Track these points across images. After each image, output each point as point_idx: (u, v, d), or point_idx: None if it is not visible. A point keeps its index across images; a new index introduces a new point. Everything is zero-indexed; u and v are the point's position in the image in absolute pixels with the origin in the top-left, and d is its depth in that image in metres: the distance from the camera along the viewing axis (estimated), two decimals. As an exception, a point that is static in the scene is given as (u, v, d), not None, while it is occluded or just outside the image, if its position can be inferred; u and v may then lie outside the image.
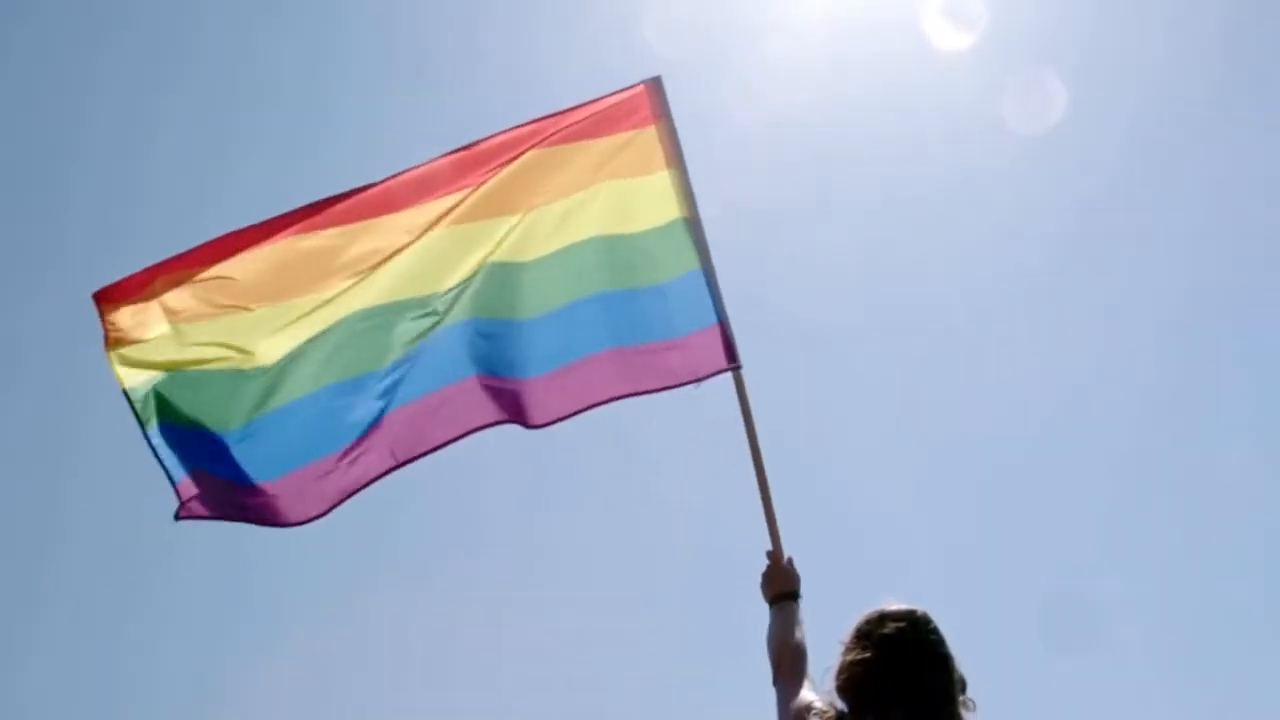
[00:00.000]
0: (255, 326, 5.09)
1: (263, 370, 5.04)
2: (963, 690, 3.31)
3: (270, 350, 5.06)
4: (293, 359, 5.07)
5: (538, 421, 5.03)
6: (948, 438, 12.88)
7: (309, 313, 5.13)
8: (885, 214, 12.70)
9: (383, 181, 5.31)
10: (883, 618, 3.35)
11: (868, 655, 3.30)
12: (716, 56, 12.63)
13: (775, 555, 4.36)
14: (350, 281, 5.17)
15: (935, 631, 3.33)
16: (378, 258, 5.20)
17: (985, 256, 13.12)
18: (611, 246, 5.28)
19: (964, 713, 3.29)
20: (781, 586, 4.21)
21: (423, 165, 5.36)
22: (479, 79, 13.64)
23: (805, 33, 12.48)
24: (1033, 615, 11.48)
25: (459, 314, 5.14)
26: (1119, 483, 12.89)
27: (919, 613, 3.35)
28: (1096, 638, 11.06)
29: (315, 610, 12.35)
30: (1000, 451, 12.85)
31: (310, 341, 5.10)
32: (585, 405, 5.06)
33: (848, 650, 3.36)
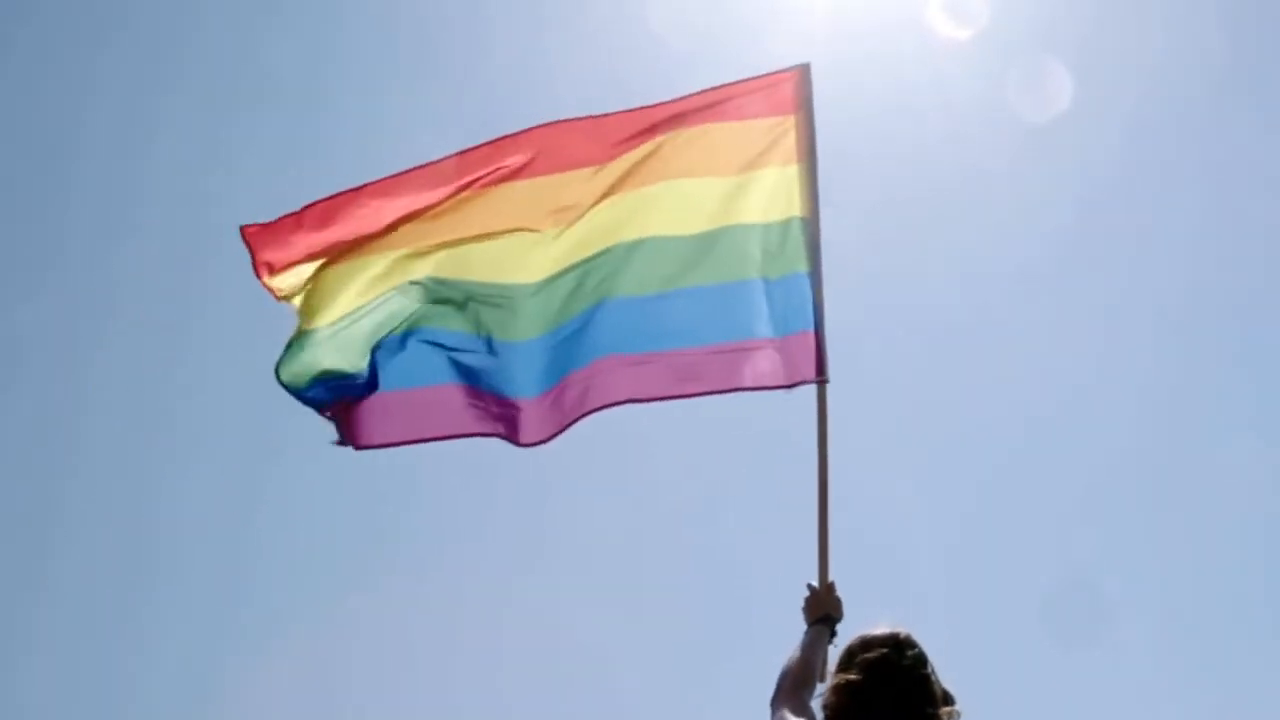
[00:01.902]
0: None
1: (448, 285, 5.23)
2: (949, 703, 3.37)
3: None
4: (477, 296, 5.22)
5: (622, 398, 5.09)
6: (950, 434, 12.88)
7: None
8: (885, 211, 12.68)
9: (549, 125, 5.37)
10: (865, 643, 3.42)
11: (851, 680, 3.37)
12: (720, 51, 12.59)
13: (822, 581, 4.33)
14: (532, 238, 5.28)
15: (917, 653, 3.39)
16: (564, 216, 5.29)
17: (986, 253, 13.10)
18: (726, 236, 5.21)
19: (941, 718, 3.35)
20: (820, 610, 4.20)
21: (582, 120, 5.39)
22: (481, 75, 13.62)
23: (807, 28, 12.45)
24: (1036, 611, 11.49)
25: (605, 289, 5.21)
26: (1120, 478, 12.91)
27: (901, 635, 3.41)
28: (1100, 632, 11.07)
29: (314, 609, 12.36)
30: (1002, 447, 12.86)
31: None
32: (667, 395, 5.08)
33: (834, 675, 3.45)
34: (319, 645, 11.73)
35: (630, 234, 5.28)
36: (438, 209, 5.29)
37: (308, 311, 5.20)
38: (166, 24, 13.94)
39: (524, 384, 5.17)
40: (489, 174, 5.33)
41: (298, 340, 5.16)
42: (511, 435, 5.16)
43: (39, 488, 13.47)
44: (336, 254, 5.22)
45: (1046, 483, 12.79)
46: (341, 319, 5.19)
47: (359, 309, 5.20)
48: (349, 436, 5.18)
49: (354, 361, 5.14)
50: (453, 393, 5.21)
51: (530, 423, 5.15)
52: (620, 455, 12.55)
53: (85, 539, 13.17)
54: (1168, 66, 12.77)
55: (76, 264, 13.64)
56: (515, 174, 5.33)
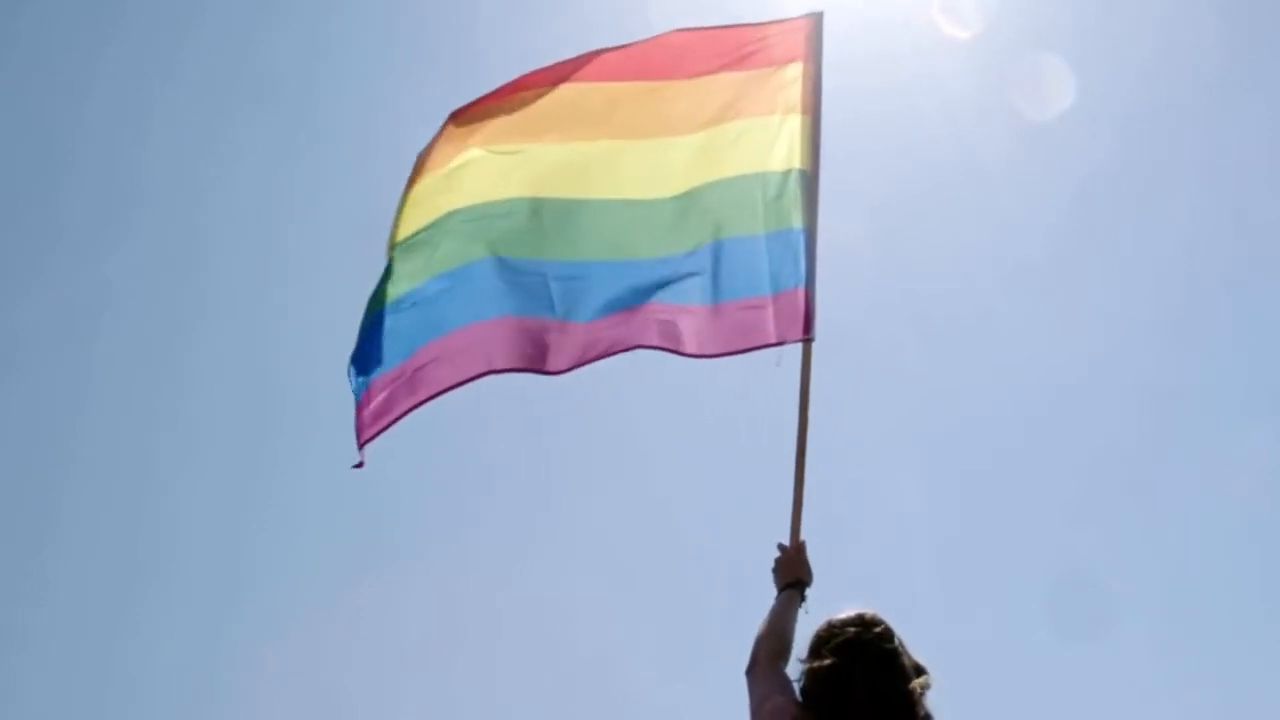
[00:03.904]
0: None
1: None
2: (920, 674, 3.45)
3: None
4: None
5: (618, 348, 5.02)
6: (950, 429, 12.88)
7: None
8: (885, 208, 12.67)
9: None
10: (832, 627, 3.51)
11: (825, 664, 3.44)
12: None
13: (793, 541, 4.31)
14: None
15: (884, 629, 3.48)
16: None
17: (986, 249, 13.10)
18: (728, 187, 5.13)
19: (921, 694, 3.42)
20: (792, 574, 4.17)
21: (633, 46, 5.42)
22: (479, 72, 13.59)
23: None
24: (1037, 606, 11.52)
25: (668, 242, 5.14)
26: (1118, 473, 12.91)
27: (867, 615, 3.51)
28: (1101, 627, 11.07)
29: (312, 607, 12.35)
30: (1002, 442, 12.86)
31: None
32: (654, 346, 5.01)
33: (807, 661, 3.52)
34: (318, 642, 11.74)
35: (690, 181, 5.23)
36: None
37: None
38: (164, 23, 13.93)
39: (584, 306, 5.12)
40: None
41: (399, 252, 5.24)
42: (537, 363, 5.08)
43: (37, 486, 13.49)
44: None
45: (1046, 478, 12.82)
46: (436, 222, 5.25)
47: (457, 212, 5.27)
48: (374, 422, 5.14)
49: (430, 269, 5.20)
50: (487, 330, 5.18)
51: (565, 348, 5.07)
52: (618, 454, 12.56)
53: (83, 538, 13.18)
54: (1165, 64, 12.79)
55: (73, 262, 13.63)
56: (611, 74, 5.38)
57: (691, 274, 5.05)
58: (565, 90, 5.36)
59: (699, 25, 5.53)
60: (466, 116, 5.40)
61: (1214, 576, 12.35)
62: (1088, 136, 12.47)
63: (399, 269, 5.26)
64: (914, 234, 12.88)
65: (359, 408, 5.14)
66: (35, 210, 13.82)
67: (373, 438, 5.13)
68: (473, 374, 5.14)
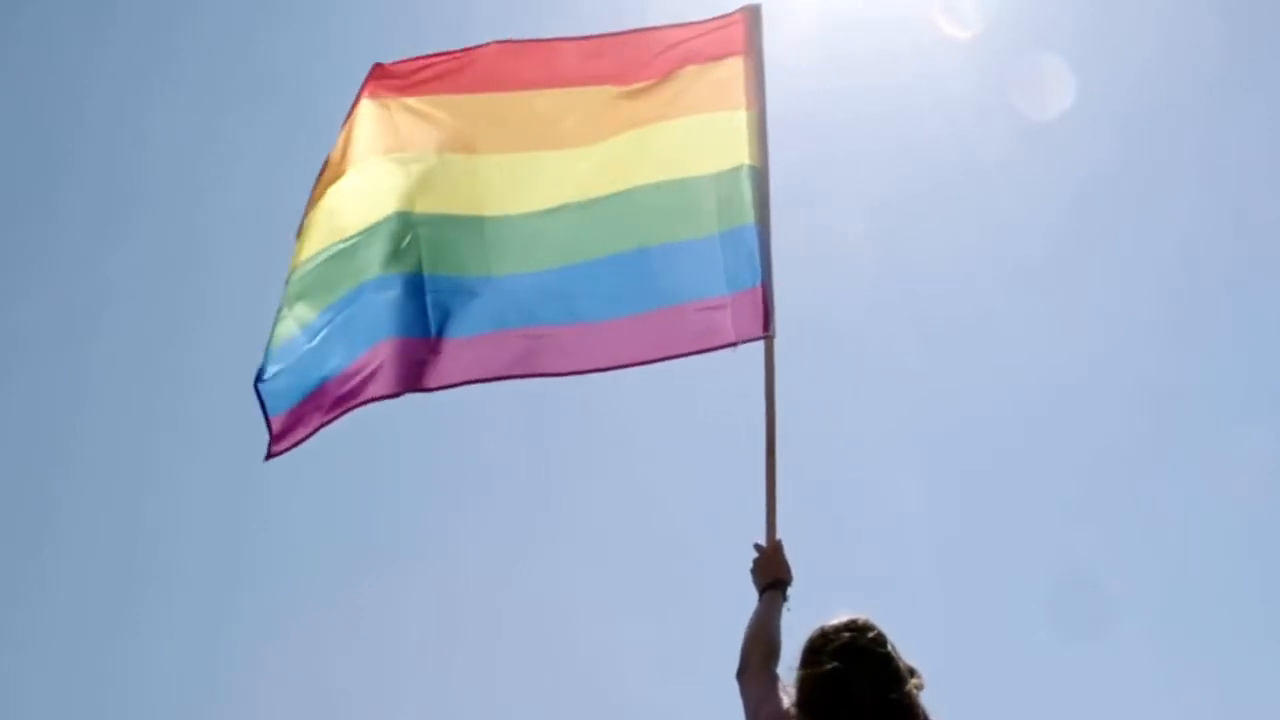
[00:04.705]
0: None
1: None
2: (913, 675, 3.45)
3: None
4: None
5: (561, 370, 4.93)
6: (950, 428, 12.88)
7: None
8: (885, 207, 12.67)
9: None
10: (826, 634, 3.50)
11: (825, 669, 3.42)
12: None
13: (769, 541, 4.29)
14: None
15: (877, 634, 3.48)
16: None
17: (986, 249, 13.09)
18: (671, 190, 5.05)
19: (915, 695, 3.43)
20: (772, 574, 4.14)
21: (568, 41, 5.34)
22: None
23: (804, 23, 12.43)
24: (1036, 605, 11.50)
25: (574, 250, 5.05)
26: (1117, 473, 12.90)
27: (859, 620, 3.50)
28: (1102, 626, 11.06)
29: (312, 606, 12.34)
30: (1002, 442, 12.85)
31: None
32: (614, 365, 4.91)
33: (803, 669, 3.50)
34: (318, 642, 11.73)
35: (590, 190, 5.11)
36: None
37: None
38: (163, 22, 13.93)
39: (459, 322, 4.99)
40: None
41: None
42: (414, 382, 4.94)
43: (36, 486, 13.48)
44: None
45: (1046, 478, 12.81)
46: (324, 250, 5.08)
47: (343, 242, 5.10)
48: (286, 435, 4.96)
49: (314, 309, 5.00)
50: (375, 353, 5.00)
51: (447, 363, 4.96)
52: (618, 454, 12.55)
53: (83, 538, 13.17)
54: (1165, 64, 12.78)
55: (73, 262, 13.63)
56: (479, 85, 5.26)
57: (636, 279, 4.98)
58: (486, 99, 5.26)
59: (651, 25, 5.40)
60: (386, 85, 5.30)
61: (1214, 576, 12.36)
62: (1088, 136, 12.48)
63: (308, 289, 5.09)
64: (914, 234, 12.89)
65: (299, 409, 4.95)
66: (35, 210, 13.83)
67: (290, 447, 4.95)
68: (372, 397, 4.99)
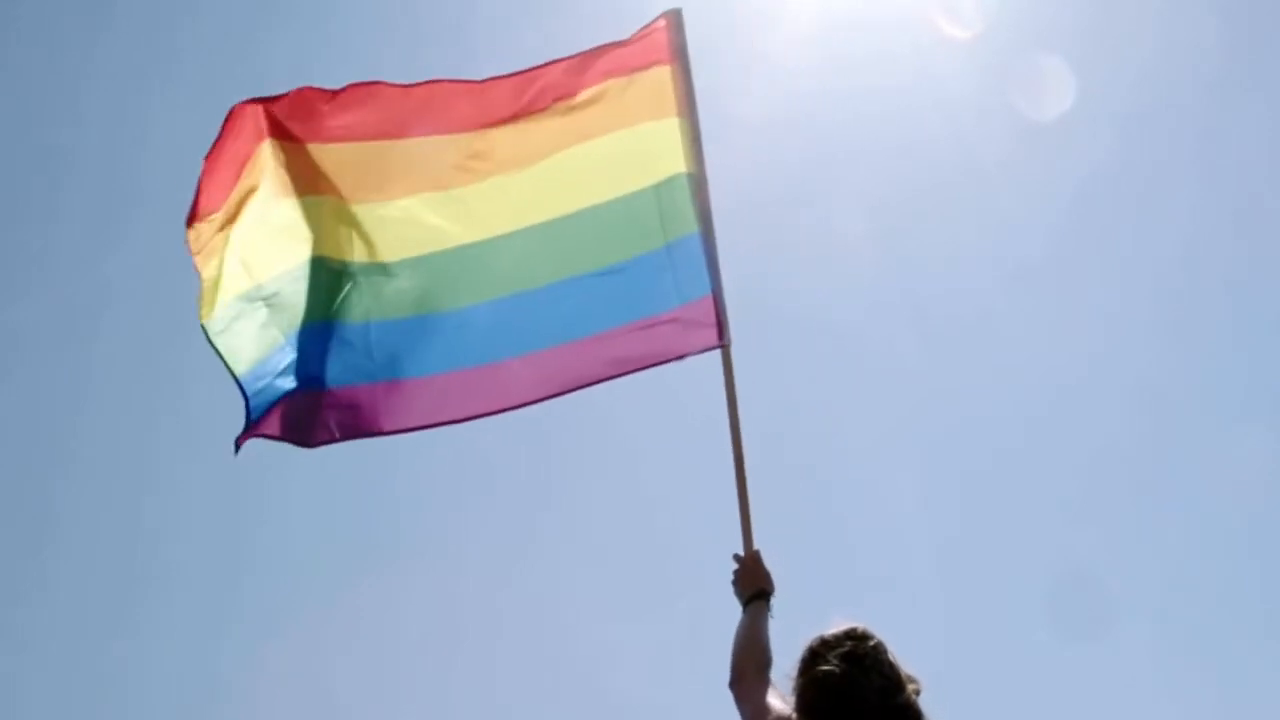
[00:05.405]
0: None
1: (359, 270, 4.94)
2: (911, 682, 3.44)
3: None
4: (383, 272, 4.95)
5: (514, 404, 4.78)
6: (951, 427, 12.89)
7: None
8: (885, 207, 12.67)
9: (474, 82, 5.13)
10: (826, 642, 3.47)
11: (829, 671, 3.41)
12: (716, 47, 12.55)
13: (747, 551, 4.24)
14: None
15: (877, 642, 3.47)
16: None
17: (986, 249, 13.10)
18: (615, 209, 4.95)
19: (916, 701, 3.42)
20: (754, 585, 4.12)
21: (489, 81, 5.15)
22: (478, 71, 13.58)
23: (804, 23, 12.43)
24: (1037, 606, 11.51)
25: (513, 280, 4.93)
26: (1117, 473, 12.91)
27: (859, 629, 3.48)
28: (1102, 626, 11.06)
29: (311, 606, 12.35)
30: (1002, 441, 12.86)
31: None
32: (564, 390, 4.76)
33: (801, 675, 3.47)
34: (318, 642, 11.74)
35: (529, 217, 5.02)
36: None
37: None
38: (163, 22, 13.93)
39: (409, 363, 4.87)
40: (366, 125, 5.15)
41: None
42: (369, 423, 4.83)
43: (36, 486, 13.48)
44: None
45: (1046, 478, 12.82)
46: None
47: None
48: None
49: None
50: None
51: (402, 405, 4.84)
52: (618, 455, 12.55)
53: (82, 538, 13.17)
54: (1165, 64, 12.78)
55: (73, 262, 13.63)
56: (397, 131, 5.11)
57: (588, 301, 4.88)
58: (408, 143, 5.13)
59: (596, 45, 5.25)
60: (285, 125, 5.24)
61: (1213, 576, 12.36)
62: (1088, 136, 12.48)
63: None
64: (914, 234, 12.90)
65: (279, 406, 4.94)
66: (35, 210, 13.83)
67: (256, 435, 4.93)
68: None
